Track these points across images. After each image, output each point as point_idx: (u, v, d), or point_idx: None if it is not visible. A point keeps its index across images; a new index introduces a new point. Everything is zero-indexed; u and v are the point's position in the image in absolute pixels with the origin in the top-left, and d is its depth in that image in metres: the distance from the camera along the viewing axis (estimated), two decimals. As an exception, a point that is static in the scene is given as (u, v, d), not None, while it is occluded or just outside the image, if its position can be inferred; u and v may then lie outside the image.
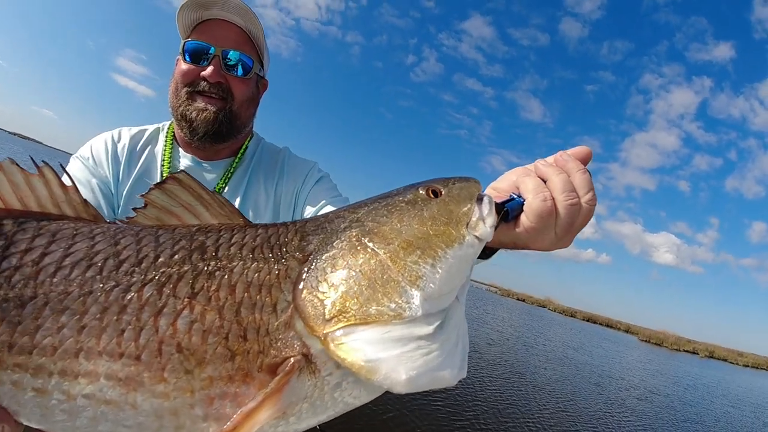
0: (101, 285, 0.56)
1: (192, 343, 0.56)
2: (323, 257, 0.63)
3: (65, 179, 0.63)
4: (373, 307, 0.58)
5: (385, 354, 0.56)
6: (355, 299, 0.59)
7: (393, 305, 0.58)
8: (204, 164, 1.54)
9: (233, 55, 1.43)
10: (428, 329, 0.59)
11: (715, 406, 15.17)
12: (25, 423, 0.56)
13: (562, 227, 0.75)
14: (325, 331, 0.57)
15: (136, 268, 0.58)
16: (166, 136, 1.56)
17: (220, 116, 1.41)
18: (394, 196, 0.71)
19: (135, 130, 1.59)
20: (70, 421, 0.54)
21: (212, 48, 1.40)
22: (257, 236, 0.67)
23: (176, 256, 0.60)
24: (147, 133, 1.59)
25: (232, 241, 0.65)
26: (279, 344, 0.58)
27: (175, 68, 1.49)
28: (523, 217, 0.75)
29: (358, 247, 0.63)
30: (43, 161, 0.60)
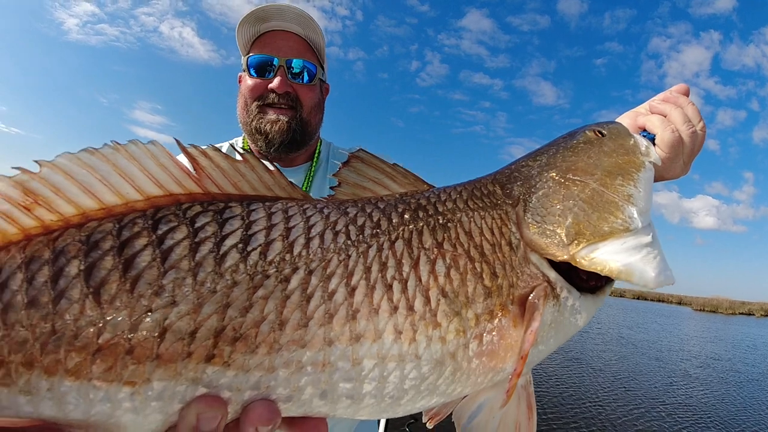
0: (355, 248, 0.58)
1: (454, 286, 0.59)
2: (535, 197, 0.70)
3: (268, 165, 0.65)
4: (605, 226, 0.66)
5: (631, 259, 0.63)
6: (587, 222, 0.66)
7: (619, 221, 0.66)
8: (284, 171, 1.54)
9: (297, 64, 1.46)
10: (649, 238, 0.66)
11: (778, 362, 15.14)
12: (298, 412, 0.55)
13: (687, 154, 0.87)
14: (571, 253, 0.64)
15: (378, 230, 0.61)
16: (243, 150, 1.54)
17: (293, 125, 1.45)
18: (566, 142, 0.78)
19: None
20: (355, 390, 0.54)
21: (276, 59, 1.45)
22: (460, 192, 0.72)
23: (406, 216, 0.64)
24: (224, 150, 1.72)
25: (442, 198, 0.69)
26: (524, 276, 0.64)
27: (239, 85, 1.54)
28: (657, 150, 0.85)
29: (566, 183, 0.71)
30: (243, 149, 0.59)
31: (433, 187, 0.75)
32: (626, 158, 0.75)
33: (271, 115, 1.44)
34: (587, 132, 0.79)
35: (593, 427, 6.97)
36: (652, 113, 0.91)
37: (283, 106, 1.45)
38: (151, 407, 0.49)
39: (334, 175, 0.72)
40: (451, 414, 0.70)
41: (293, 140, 1.47)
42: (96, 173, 0.52)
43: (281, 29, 1.47)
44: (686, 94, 0.92)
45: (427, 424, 0.72)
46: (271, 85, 1.43)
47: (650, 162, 0.76)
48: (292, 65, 1.46)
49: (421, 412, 1.67)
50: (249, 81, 1.47)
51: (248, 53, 1.49)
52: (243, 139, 1.61)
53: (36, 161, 0.50)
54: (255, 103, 1.46)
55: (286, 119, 1.44)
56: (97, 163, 0.52)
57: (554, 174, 0.73)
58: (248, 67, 1.47)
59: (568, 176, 0.72)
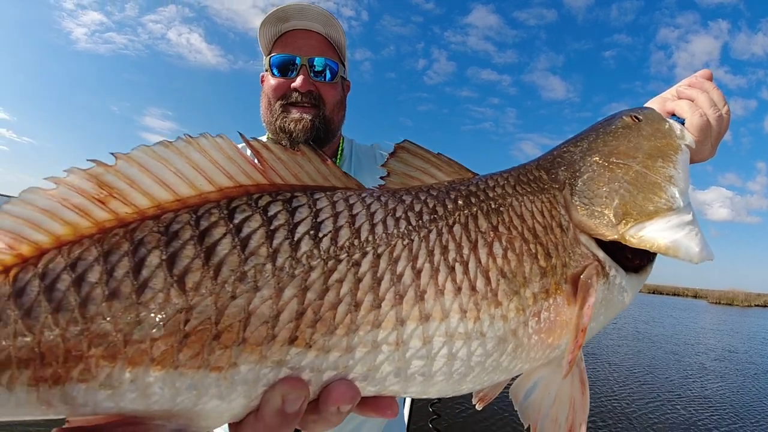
0: (417, 233, 0.60)
1: (512, 267, 0.62)
2: (581, 181, 0.74)
3: (323, 156, 0.67)
4: (650, 205, 0.70)
5: (677, 236, 0.67)
6: (633, 203, 0.70)
7: (663, 201, 0.70)
8: None
9: (319, 62, 1.48)
10: (690, 216, 0.70)
11: (795, 354, 15.11)
12: (372, 391, 0.57)
13: (714, 137, 0.90)
14: (620, 232, 0.68)
15: (435, 216, 0.63)
16: None
17: (316, 123, 1.46)
18: (605, 128, 0.82)
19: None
20: (427, 368, 0.57)
21: (298, 58, 1.46)
22: (507, 178, 0.74)
23: (459, 202, 0.66)
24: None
25: (490, 185, 0.72)
26: (575, 257, 0.67)
27: (262, 85, 1.56)
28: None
29: (610, 166, 0.74)
30: (299, 143, 0.60)
31: (477, 174, 0.78)
32: (664, 141, 0.79)
33: (295, 114, 1.45)
34: (624, 117, 0.83)
35: (609, 420, 7.02)
36: (680, 98, 0.94)
37: (306, 104, 1.46)
38: (236, 392, 0.51)
39: (382, 165, 0.74)
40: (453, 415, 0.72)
41: (317, 138, 1.47)
42: (170, 166, 0.53)
43: (302, 28, 1.49)
44: (710, 79, 0.96)
45: (477, 406, 0.75)
46: (293, 84, 1.45)
47: (686, 145, 0.81)
48: (314, 64, 1.47)
49: (439, 413, 1.68)
50: (272, 81, 1.49)
51: (270, 53, 1.51)
52: (267, 138, 1.61)
53: (112, 153, 0.51)
54: (278, 102, 1.47)
55: (310, 117, 1.45)
56: (171, 156, 0.53)
57: (597, 158, 0.77)
58: (271, 66, 1.48)
59: (611, 160, 0.76)
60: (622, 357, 12.09)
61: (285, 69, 1.48)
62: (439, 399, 1.72)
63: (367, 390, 0.56)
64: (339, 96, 1.56)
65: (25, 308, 0.47)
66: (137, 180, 0.52)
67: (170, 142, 0.53)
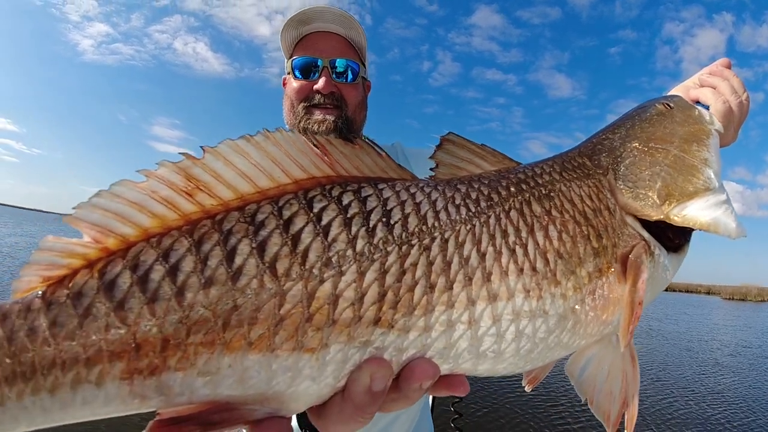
0: (477, 219, 0.64)
1: (567, 248, 0.66)
2: (623, 165, 0.78)
3: (379, 150, 0.69)
4: (690, 186, 0.75)
5: (716, 214, 0.72)
6: (674, 184, 0.75)
7: (701, 182, 0.75)
8: None
9: (341, 64, 1.51)
10: (725, 195, 0.76)
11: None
12: (445, 369, 0.60)
13: (736, 122, 0.96)
14: (665, 212, 0.73)
15: (491, 202, 0.67)
16: None
17: (339, 123, 1.48)
18: (640, 115, 0.87)
19: None
20: (497, 345, 0.60)
21: (320, 60, 1.49)
22: (552, 166, 0.78)
23: (512, 189, 0.70)
24: None
25: (538, 172, 0.75)
26: (624, 237, 0.72)
27: (284, 88, 1.59)
28: None
29: (650, 151, 0.79)
30: (355, 136, 0.65)
31: (519, 163, 0.81)
32: (696, 127, 0.84)
33: (318, 116, 1.48)
34: (657, 105, 0.88)
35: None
36: (702, 86, 1.00)
37: (328, 105, 1.49)
38: (326, 373, 0.53)
39: (431, 157, 0.77)
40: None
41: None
42: (251, 159, 0.56)
43: (323, 30, 1.52)
44: (729, 67, 1.02)
45: (526, 388, 0.79)
46: (316, 87, 1.47)
47: (715, 129, 0.86)
48: (336, 65, 1.50)
49: (461, 412, 1.74)
50: (294, 83, 1.51)
51: (291, 56, 1.54)
52: None
53: (202, 147, 0.53)
54: (301, 105, 1.50)
55: (333, 118, 1.47)
56: (252, 150, 0.56)
57: (637, 144, 0.81)
58: (293, 69, 1.51)
59: (650, 145, 0.81)
60: (638, 354, 12.13)
61: (307, 71, 1.50)
62: (460, 398, 1.75)
63: (442, 368, 0.59)
64: (360, 96, 1.58)
65: (118, 300, 0.48)
66: (222, 173, 0.54)
67: (251, 136, 0.56)
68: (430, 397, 1.76)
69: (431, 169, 0.76)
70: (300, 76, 1.50)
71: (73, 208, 0.50)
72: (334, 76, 1.50)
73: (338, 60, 1.50)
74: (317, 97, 1.48)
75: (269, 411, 0.53)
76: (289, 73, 1.55)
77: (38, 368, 0.47)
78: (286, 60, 1.57)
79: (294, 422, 1.29)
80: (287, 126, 1.58)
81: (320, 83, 1.47)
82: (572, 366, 0.75)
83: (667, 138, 0.81)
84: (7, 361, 0.47)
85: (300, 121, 1.50)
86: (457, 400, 1.66)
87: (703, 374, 10.62)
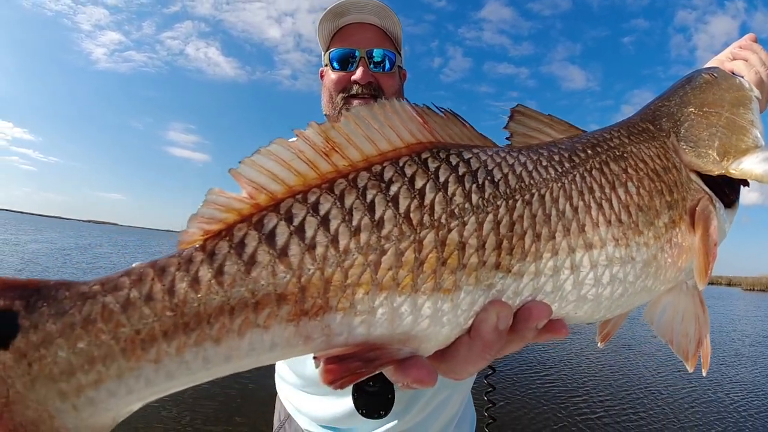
0: (565, 177, 0.70)
1: (645, 202, 0.74)
2: (683, 128, 0.87)
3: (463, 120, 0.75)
4: (742, 144, 0.83)
5: (767, 166, 0.80)
6: (729, 143, 0.83)
7: (751, 140, 0.84)
8: None
9: (378, 53, 1.55)
10: None
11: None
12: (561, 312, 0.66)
13: (766, 92, 1.03)
14: (725, 167, 0.81)
15: (573, 163, 0.73)
16: None
17: None
18: (690, 84, 0.96)
19: None
20: (595, 288, 0.67)
21: (357, 51, 1.54)
22: (619, 131, 0.85)
23: (589, 152, 0.76)
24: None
25: (607, 137, 0.82)
26: (691, 192, 0.80)
27: (322, 80, 1.64)
28: None
29: (705, 114, 0.88)
30: (444, 110, 0.71)
31: (584, 131, 0.88)
32: (740, 93, 0.93)
33: (356, 106, 1.48)
34: (704, 75, 0.97)
35: (647, 407, 7.14)
36: (735, 59, 1.08)
37: (366, 95, 1.53)
38: (459, 312, 0.60)
39: (505, 128, 0.83)
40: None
41: None
42: (375, 123, 0.62)
43: (359, 21, 1.56)
44: (755, 41, 1.12)
45: (600, 345, 0.87)
46: (354, 77, 1.52)
47: (755, 96, 0.95)
48: (373, 55, 1.54)
49: (493, 401, 1.81)
50: (332, 75, 1.56)
51: (328, 48, 1.59)
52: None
53: (339, 111, 0.58)
54: (340, 95, 1.54)
55: None
56: (375, 116, 0.62)
57: (693, 109, 0.90)
58: (330, 61, 1.56)
59: (704, 109, 0.89)
60: (658, 347, 12.37)
61: (345, 62, 1.54)
62: (493, 387, 1.83)
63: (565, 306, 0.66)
64: (397, 85, 1.62)
65: (280, 248, 0.54)
66: (353, 136, 0.60)
67: (373, 103, 0.62)
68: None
69: (507, 138, 0.82)
70: (338, 67, 1.55)
71: (240, 163, 0.55)
72: (371, 66, 1.54)
73: (375, 50, 1.54)
74: (355, 87, 1.52)
75: (411, 351, 0.59)
76: (326, 65, 1.59)
77: (203, 317, 0.50)
78: (323, 53, 1.62)
79: (348, 405, 1.39)
80: (325, 117, 1.61)
81: (358, 73, 1.51)
82: (650, 313, 0.84)
83: (718, 103, 0.90)
84: (168, 314, 0.49)
85: (339, 112, 1.54)
86: (490, 389, 1.74)
87: (724, 364, 10.86)
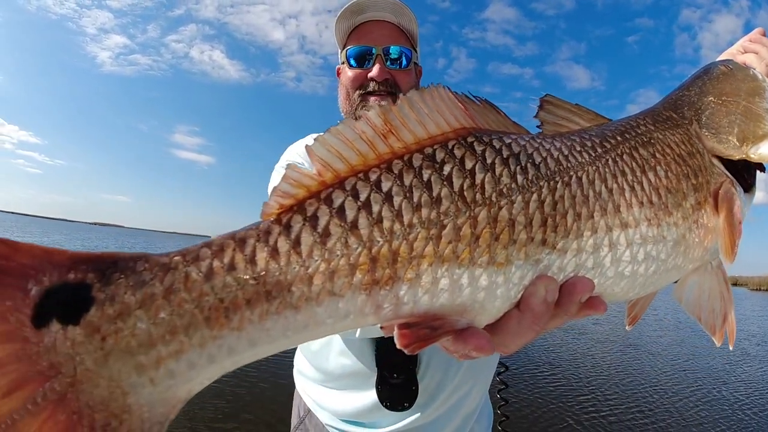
0: (599, 161, 0.74)
1: (674, 184, 0.78)
2: (704, 116, 0.92)
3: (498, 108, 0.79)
4: (759, 130, 0.89)
5: None
6: (747, 129, 0.89)
7: (767, 127, 0.89)
8: None
9: (394, 50, 1.57)
10: None
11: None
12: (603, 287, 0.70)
13: None
14: (745, 152, 0.87)
15: (605, 149, 0.77)
16: None
17: None
18: (708, 75, 1.01)
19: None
20: (631, 265, 0.71)
21: (373, 48, 1.56)
22: (644, 119, 0.90)
23: (618, 138, 0.81)
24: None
25: (633, 125, 0.87)
26: (714, 176, 0.85)
27: (339, 78, 1.68)
28: None
29: (724, 103, 0.93)
30: (480, 98, 0.74)
31: (610, 119, 0.93)
32: (755, 83, 0.98)
33: (373, 103, 1.54)
34: (720, 66, 1.02)
35: (654, 408, 7.20)
36: (746, 52, 1.12)
37: (383, 92, 1.55)
38: (510, 286, 0.63)
39: (535, 116, 0.86)
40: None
41: None
42: (425, 108, 0.65)
43: (376, 19, 1.58)
44: (764, 35, 1.16)
45: (627, 328, 0.93)
46: (370, 74, 1.54)
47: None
48: (390, 52, 1.57)
49: (506, 382, 1.93)
50: (349, 72, 1.59)
51: (345, 46, 1.62)
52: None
53: (396, 95, 0.62)
54: (357, 92, 1.57)
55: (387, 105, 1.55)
56: (425, 101, 0.65)
57: (712, 98, 0.95)
58: (347, 58, 1.59)
59: (723, 98, 0.94)
60: (665, 347, 12.56)
61: (361, 59, 1.57)
62: (506, 368, 1.87)
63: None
64: (413, 82, 1.65)
65: (351, 221, 0.57)
66: (407, 120, 0.63)
67: (423, 89, 0.65)
68: None
69: (538, 127, 0.86)
70: (355, 65, 1.58)
71: (314, 139, 0.58)
72: (388, 63, 1.56)
73: (392, 47, 1.56)
74: (372, 84, 1.54)
75: (467, 322, 0.62)
76: (343, 63, 1.62)
77: (285, 285, 0.52)
78: (339, 51, 1.66)
79: (372, 399, 1.44)
80: (343, 114, 1.66)
81: (374, 71, 1.53)
82: (679, 292, 0.89)
83: (735, 92, 0.95)
84: (251, 282, 0.51)
85: (356, 109, 1.57)
86: (503, 369, 1.77)
87: (731, 363, 10.93)
